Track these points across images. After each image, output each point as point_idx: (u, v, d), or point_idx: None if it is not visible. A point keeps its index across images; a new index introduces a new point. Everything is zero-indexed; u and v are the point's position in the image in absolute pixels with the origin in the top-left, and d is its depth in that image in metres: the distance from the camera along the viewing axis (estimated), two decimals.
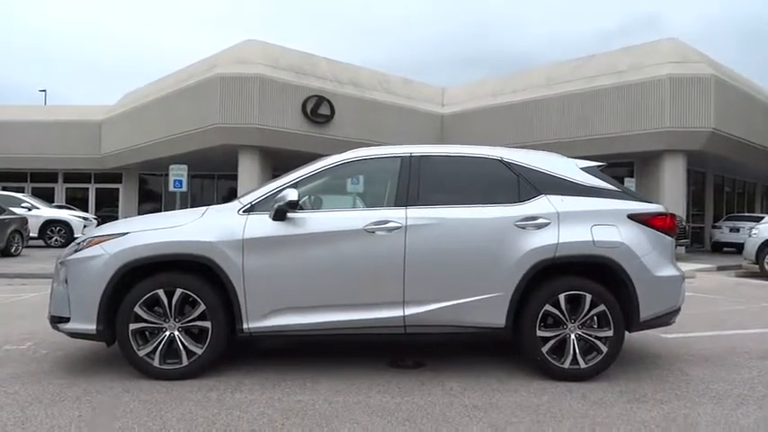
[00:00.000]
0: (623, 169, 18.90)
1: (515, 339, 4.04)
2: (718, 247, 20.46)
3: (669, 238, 4.15)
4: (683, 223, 15.34)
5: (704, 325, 6.21)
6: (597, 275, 4.01)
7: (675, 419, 3.32)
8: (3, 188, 21.74)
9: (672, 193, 17.19)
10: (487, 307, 3.90)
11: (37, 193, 21.86)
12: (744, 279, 11.84)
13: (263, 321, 3.85)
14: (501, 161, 4.19)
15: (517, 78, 20.87)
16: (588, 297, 3.91)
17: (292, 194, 3.80)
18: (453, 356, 4.64)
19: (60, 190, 26.25)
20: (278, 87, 17.76)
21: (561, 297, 3.92)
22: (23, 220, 13.86)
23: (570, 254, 3.93)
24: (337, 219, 3.97)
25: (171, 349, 3.83)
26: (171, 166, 14.76)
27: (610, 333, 3.93)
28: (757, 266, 12.05)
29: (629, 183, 14.24)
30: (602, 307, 3.92)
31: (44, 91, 37.10)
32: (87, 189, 26.26)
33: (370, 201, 4.17)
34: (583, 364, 3.93)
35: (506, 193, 4.08)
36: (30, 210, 15.97)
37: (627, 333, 4.13)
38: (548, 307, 3.92)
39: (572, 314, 3.96)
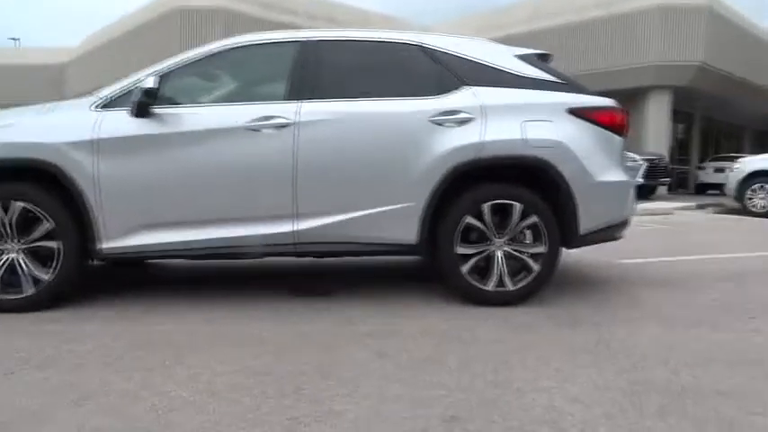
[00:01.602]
0: None
1: (432, 259, 3.42)
2: (702, 189, 19.95)
3: (618, 137, 3.48)
4: (666, 161, 14.72)
5: (668, 251, 5.64)
6: (530, 181, 3.36)
7: (609, 344, 2.74)
8: None
9: (656, 132, 16.54)
10: (396, 220, 3.26)
11: None
12: (723, 215, 11.29)
13: (125, 240, 3.20)
14: (420, 47, 3.47)
15: (502, 13, 19.84)
16: (518, 207, 3.28)
17: (150, 82, 3.08)
18: (372, 283, 4.03)
19: None
20: (245, 21, 16.67)
21: (485, 207, 3.27)
22: None
23: (496, 155, 3.27)
24: (214, 115, 3.27)
25: (15, 276, 3.18)
26: None
27: (543, 249, 3.31)
28: (739, 204, 11.39)
29: None
30: (534, 218, 3.29)
31: (17, 39, 35.34)
32: None
33: (258, 95, 3.47)
34: (510, 286, 3.32)
35: (424, 85, 3.38)
36: None
37: (566, 250, 3.54)
38: (469, 219, 3.28)
39: (499, 228, 3.33)
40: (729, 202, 12.26)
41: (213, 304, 3.38)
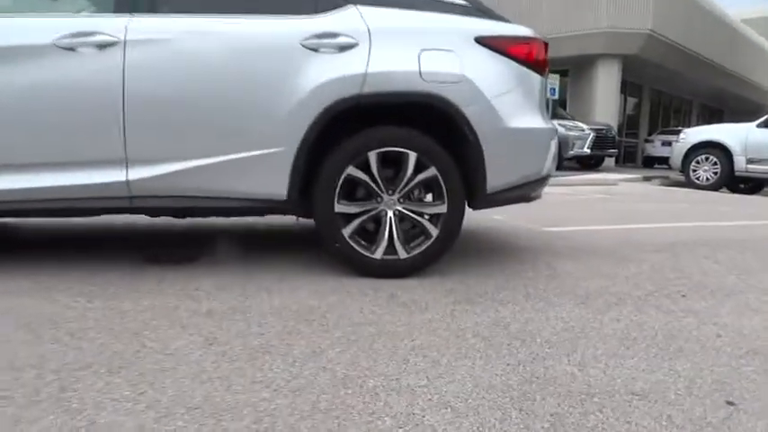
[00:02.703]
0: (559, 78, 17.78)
1: (312, 220, 2.79)
2: (650, 162, 19.97)
3: (537, 75, 2.88)
4: (613, 131, 14.45)
5: (601, 220, 5.18)
6: (428, 125, 2.74)
7: (509, 326, 2.18)
8: None
9: (604, 101, 16.26)
10: (260, 170, 2.60)
11: None
12: (667, 187, 11.06)
13: None
14: None
15: None
16: (412, 156, 2.66)
17: None
18: (252, 248, 3.38)
19: None
20: None
21: (372, 156, 2.64)
22: None
23: (385, 90, 2.62)
24: (13, 27, 2.51)
25: None
26: None
27: (443, 209, 2.72)
28: (684, 176, 11.12)
29: (553, 81, 13.10)
30: (432, 171, 2.68)
31: None
32: None
33: (76, 3, 2.73)
34: (403, 254, 2.72)
35: (295, 1, 2.69)
36: None
37: (486, 215, 2.95)
38: (352, 171, 2.64)
39: (389, 183, 2.71)
40: (676, 175, 12.06)
41: (28, 274, 2.67)
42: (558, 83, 13.47)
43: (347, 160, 2.62)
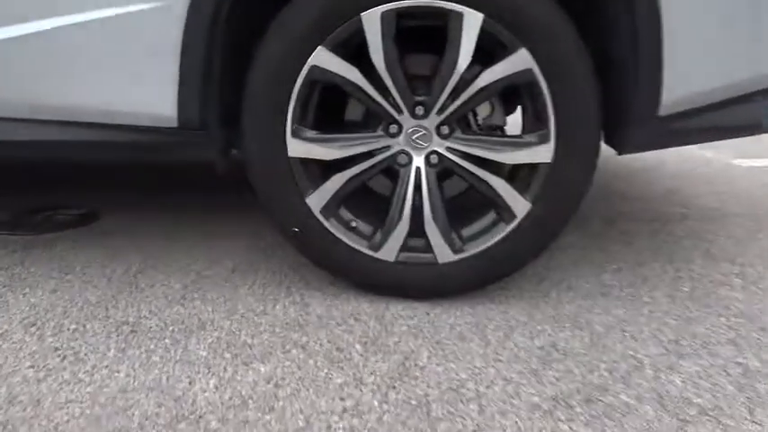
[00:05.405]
0: None
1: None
2: None
3: None
4: None
5: None
6: None
7: None
8: None
9: None
10: (110, 53, 1.12)
11: None
12: None
13: None
14: None
15: None
16: (472, 20, 1.05)
17: None
18: (195, 205, 2.00)
19: None
20: None
21: (372, 22, 1.06)
22: None
23: None
24: None
25: None
26: None
27: (546, 153, 1.12)
28: None
29: None
30: (521, 59, 1.07)
31: None
32: None
33: None
34: (446, 252, 1.19)
35: None
36: None
37: (613, 154, 1.33)
38: (323, 59, 1.09)
39: (417, 88, 1.13)
40: None
41: None
42: None
43: (313, 34, 1.07)
